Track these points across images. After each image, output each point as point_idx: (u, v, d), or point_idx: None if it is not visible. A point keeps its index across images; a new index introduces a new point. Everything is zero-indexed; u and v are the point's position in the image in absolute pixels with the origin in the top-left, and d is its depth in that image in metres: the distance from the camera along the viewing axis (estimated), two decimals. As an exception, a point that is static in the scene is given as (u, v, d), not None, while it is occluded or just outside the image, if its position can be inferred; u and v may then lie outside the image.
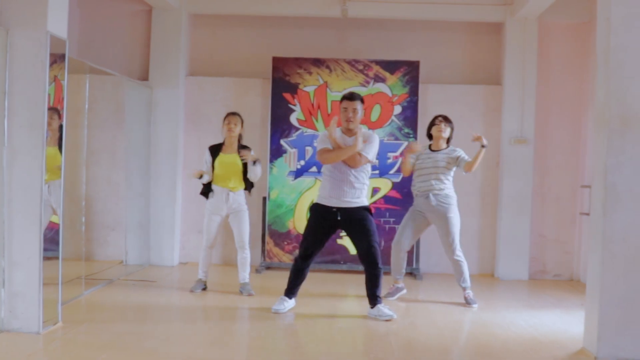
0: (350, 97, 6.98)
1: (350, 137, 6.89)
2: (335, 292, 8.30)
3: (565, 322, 7.05)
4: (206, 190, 7.89)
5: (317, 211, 7.00)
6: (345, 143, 6.83)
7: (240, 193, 7.86)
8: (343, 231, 7.20)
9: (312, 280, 8.88)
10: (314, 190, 9.47)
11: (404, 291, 8.02)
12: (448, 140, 7.82)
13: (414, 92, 9.47)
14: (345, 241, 9.41)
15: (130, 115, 9.58)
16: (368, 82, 9.51)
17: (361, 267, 9.21)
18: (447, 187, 7.68)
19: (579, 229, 9.61)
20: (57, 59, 6.05)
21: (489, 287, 9.04)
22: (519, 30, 9.54)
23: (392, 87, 9.47)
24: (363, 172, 6.91)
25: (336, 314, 7.25)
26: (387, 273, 7.88)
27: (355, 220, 6.91)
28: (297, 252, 7.51)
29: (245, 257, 7.90)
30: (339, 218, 6.88)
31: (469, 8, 9.66)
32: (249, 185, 7.90)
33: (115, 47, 9.88)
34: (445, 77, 9.90)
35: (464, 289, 7.74)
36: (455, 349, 5.94)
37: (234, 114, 7.94)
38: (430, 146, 7.85)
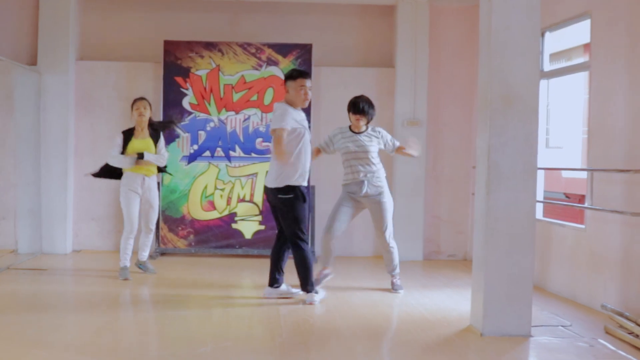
0: (307, 75, 6.84)
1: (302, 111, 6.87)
2: (230, 276, 8.27)
3: (455, 301, 7.16)
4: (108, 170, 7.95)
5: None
6: (300, 119, 6.75)
7: (154, 178, 8.00)
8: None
9: (207, 265, 8.87)
10: (207, 175, 9.42)
11: (331, 276, 7.65)
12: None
13: (307, 75, 9.46)
14: (240, 225, 9.38)
15: (19, 101, 9.35)
16: (261, 66, 9.46)
17: (256, 252, 9.32)
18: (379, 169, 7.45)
19: (472, 210, 9.74)
20: None
21: (383, 268, 9.09)
22: (410, 12, 9.61)
23: (285, 70, 9.38)
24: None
25: (231, 298, 7.25)
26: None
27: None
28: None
29: (150, 238, 8.16)
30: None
31: (361, -10, 9.68)
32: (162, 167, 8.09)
33: (1, 30, 9.60)
34: (339, 60, 9.91)
35: (393, 275, 7.63)
36: (343, 329, 5.95)
37: (142, 98, 8.02)
38: (350, 127, 7.53)
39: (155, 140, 7.99)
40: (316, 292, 6.88)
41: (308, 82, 6.77)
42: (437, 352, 5.40)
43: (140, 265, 8.18)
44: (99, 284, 7.73)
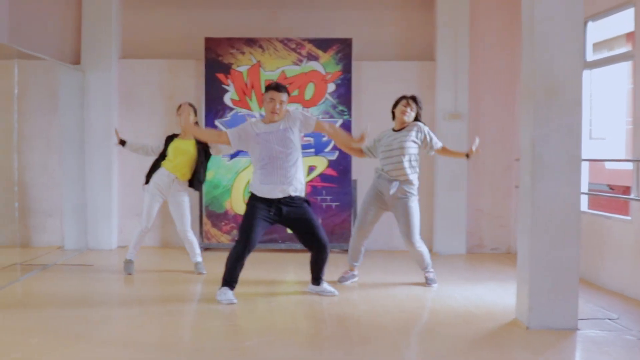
0: (278, 88, 6.65)
1: (272, 124, 6.66)
2: (274, 271, 8.30)
3: (499, 295, 7.10)
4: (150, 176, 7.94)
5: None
6: (268, 131, 6.62)
7: (184, 183, 7.88)
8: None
9: (251, 260, 8.83)
10: (249, 170, 9.47)
11: (356, 278, 7.74)
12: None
13: (347, 70, 9.46)
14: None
15: (64, 100, 9.54)
16: (301, 61, 9.49)
17: (299, 247, 9.30)
18: (412, 173, 7.33)
19: (515, 202, 9.67)
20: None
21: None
22: (450, 4, 9.56)
23: (325, 65, 9.46)
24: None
25: (275, 293, 7.28)
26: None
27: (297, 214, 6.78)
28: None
29: (189, 243, 8.05)
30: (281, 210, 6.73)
31: (401, -16, 9.66)
32: (196, 182, 7.89)
33: (45, 30, 9.73)
34: (379, 54, 9.87)
35: (427, 272, 7.58)
36: (387, 323, 5.95)
37: (185, 104, 7.88)
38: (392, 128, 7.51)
39: (200, 146, 7.84)
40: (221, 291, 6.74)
41: (280, 96, 6.59)
42: (482, 346, 5.38)
43: (195, 267, 8.12)
44: (143, 279, 7.82)
